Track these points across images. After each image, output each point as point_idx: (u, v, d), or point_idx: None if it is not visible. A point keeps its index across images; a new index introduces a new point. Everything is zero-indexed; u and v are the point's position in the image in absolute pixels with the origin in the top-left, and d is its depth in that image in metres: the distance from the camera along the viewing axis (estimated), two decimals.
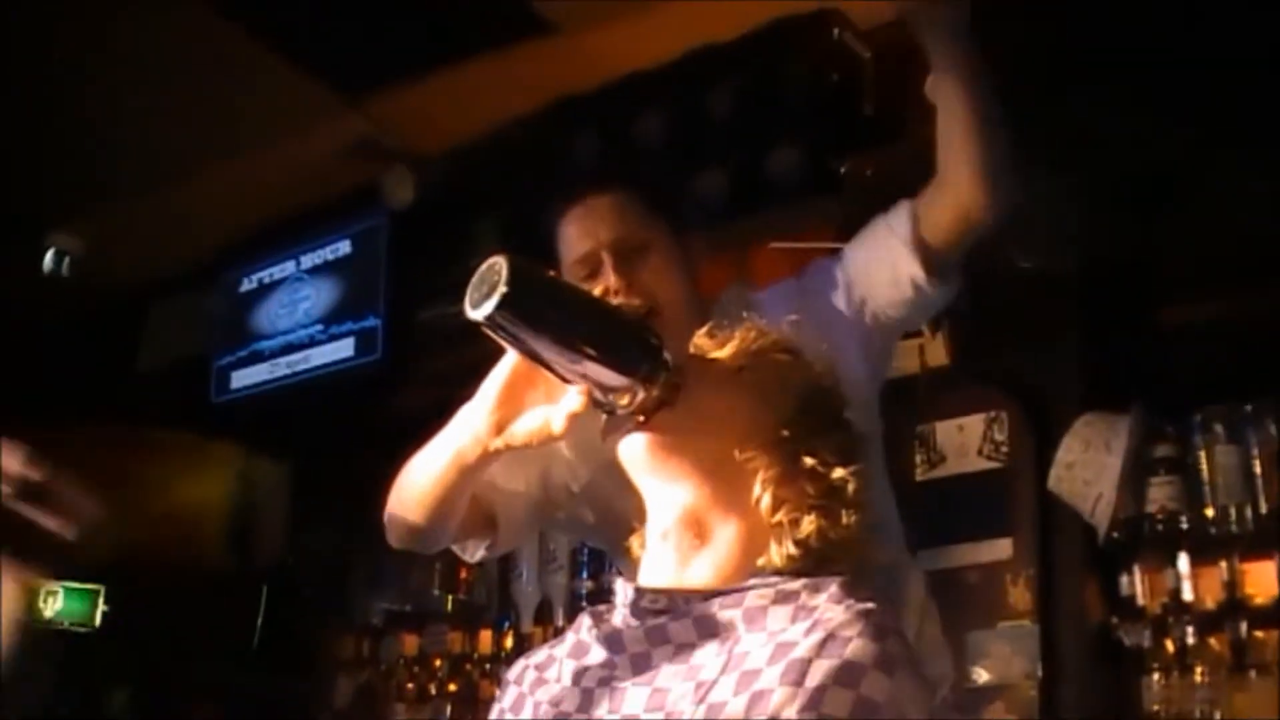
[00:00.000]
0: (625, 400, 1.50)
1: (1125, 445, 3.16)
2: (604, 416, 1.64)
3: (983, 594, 3.31)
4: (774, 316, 2.20)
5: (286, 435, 4.93)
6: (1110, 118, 3.12)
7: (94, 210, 4.53)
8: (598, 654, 1.51)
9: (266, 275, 4.65)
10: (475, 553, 2.24)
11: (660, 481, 1.55)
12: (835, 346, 1.97)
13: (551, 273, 1.52)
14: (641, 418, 1.52)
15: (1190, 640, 3.18)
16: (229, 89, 3.93)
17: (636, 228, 2.26)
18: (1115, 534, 3.22)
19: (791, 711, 1.33)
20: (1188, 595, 3.20)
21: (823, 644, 1.37)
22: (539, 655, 1.60)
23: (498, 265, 1.41)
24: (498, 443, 1.63)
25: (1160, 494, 3.24)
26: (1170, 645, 3.20)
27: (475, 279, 1.43)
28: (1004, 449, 3.40)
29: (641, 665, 1.49)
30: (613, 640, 1.51)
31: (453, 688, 4.58)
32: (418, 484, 1.90)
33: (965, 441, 3.46)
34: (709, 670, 1.43)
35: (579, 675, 1.53)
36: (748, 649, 1.42)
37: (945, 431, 3.49)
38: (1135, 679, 3.23)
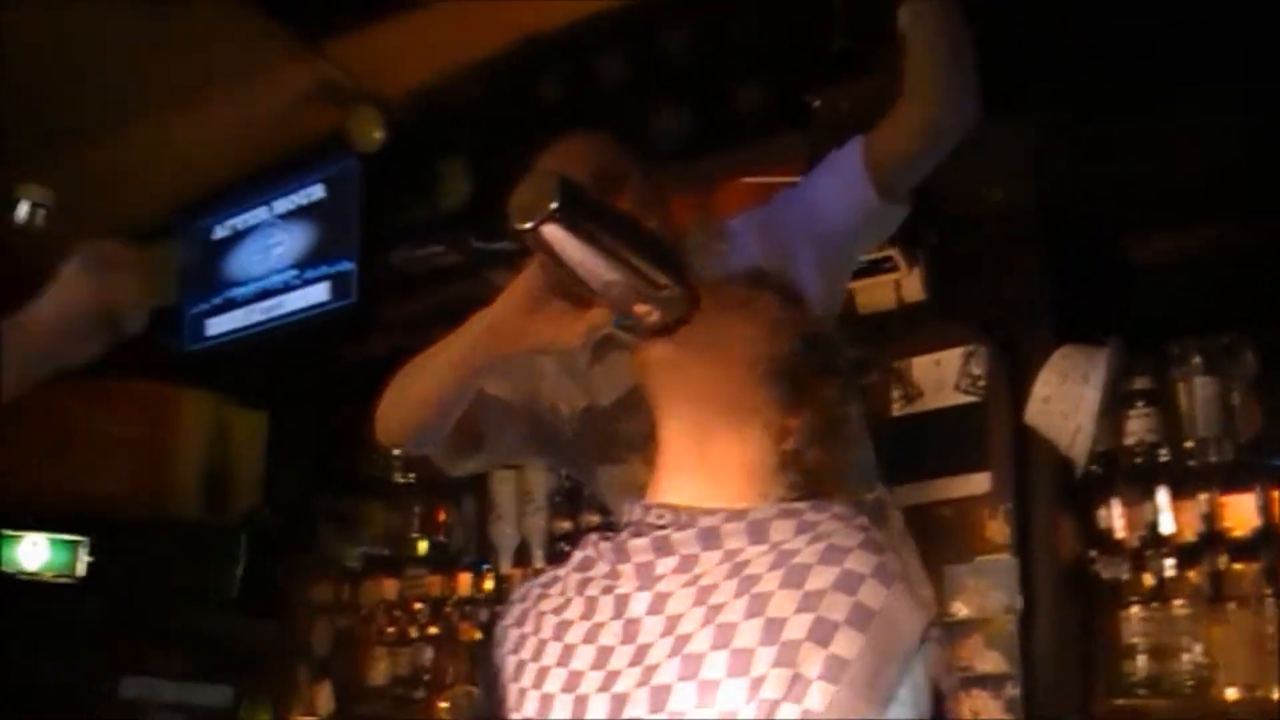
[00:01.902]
0: (646, 312, 1.55)
1: (1103, 378, 3.15)
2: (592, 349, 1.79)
3: (960, 528, 3.31)
4: (743, 245, 2.23)
5: (262, 382, 4.91)
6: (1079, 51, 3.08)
7: (58, 162, 4.47)
8: (603, 566, 1.57)
9: (240, 222, 4.59)
10: (459, 466, 2.26)
11: (673, 396, 1.59)
12: (796, 270, 2.03)
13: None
14: (659, 331, 1.57)
15: (1169, 573, 3.20)
16: (191, 36, 3.86)
17: (610, 164, 2.26)
18: (1093, 467, 3.23)
19: (789, 611, 1.37)
20: (1166, 528, 3.21)
21: (824, 553, 1.42)
22: (545, 576, 1.66)
23: (545, 179, 1.48)
24: (512, 347, 1.71)
25: (1138, 426, 3.24)
26: (1149, 578, 3.22)
27: (519, 193, 1.48)
28: (981, 383, 3.39)
29: (645, 573, 1.52)
30: (618, 551, 1.56)
31: (433, 631, 4.60)
32: (422, 379, 1.96)
33: (942, 376, 3.45)
34: (711, 576, 1.47)
35: (583, 585, 1.58)
36: (750, 558, 1.46)
37: (922, 367, 3.48)
38: (1114, 612, 3.25)
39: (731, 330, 1.59)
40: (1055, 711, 3.20)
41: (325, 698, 4.77)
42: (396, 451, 4.56)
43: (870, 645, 1.35)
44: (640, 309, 1.56)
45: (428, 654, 4.60)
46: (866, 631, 1.36)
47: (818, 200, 2.30)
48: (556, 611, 1.58)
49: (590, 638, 1.52)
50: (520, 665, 1.57)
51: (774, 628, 1.38)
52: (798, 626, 1.36)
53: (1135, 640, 3.21)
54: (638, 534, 1.56)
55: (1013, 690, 3.20)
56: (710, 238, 2.32)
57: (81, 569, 5.07)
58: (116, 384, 5.00)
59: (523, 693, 1.54)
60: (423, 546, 4.66)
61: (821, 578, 1.39)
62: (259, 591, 4.99)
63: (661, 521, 1.54)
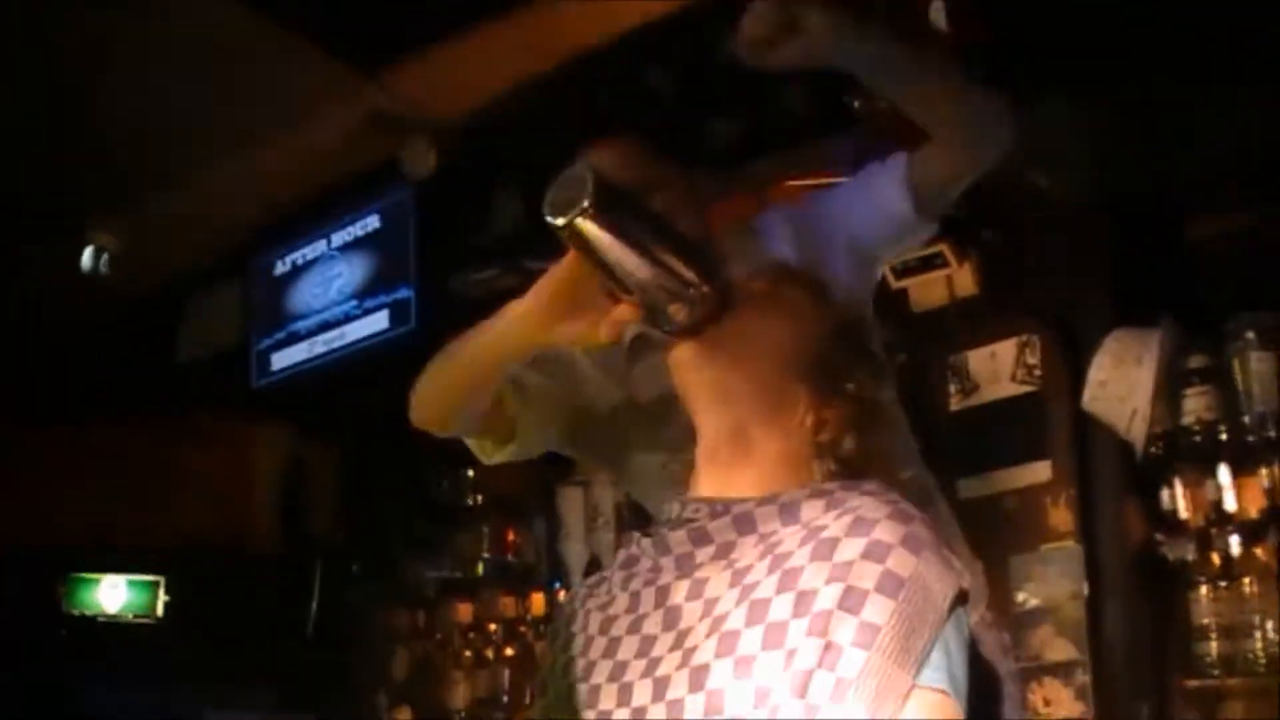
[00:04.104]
0: (676, 310, 1.59)
1: (1156, 358, 3.15)
2: (628, 344, 1.82)
3: (1024, 518, 3.32)
4: (773, 239, 2.27)
5: (330, 412, 4.98)
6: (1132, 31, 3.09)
7: (122, 206, 4.57)
8: (646, 561, 1.61)
9: (299, 257, 4.67)
10: (492, 454, 2.28)
11: (707, 395, 1.63)
12: (826, 267, 2.08)
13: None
14: (690, 330, 1.61)
15: (1235, 551, 3.16)
16: (249, 78, 3.94)
17: (643, 166, 2.30)
18: (1153, 448, 3.21)
19: (819, 583, 1.40)
20: (1230, 506, 3.18)
21: (851, 526, 1.45)
22: (594, 578, 1.70)
23: (581, 174, 1.52)
24: (542, 339, 1.75)
25: (1196, 405, 3.22)
26: (1215, 557, 3.18)
27: (555, 187, 1.53)
28: (1037, 372, 3.40)
29: (685, 564, 1.56)
30: (659, 545, 1.60)
31: (509, 652, 4.64)
32: (454, 366, 2.00)
33: (998, 368, 3.46)
34: (746, 558, 1.51)
35: (627, 581, 1.62)
36: (782, 538, 1.49)
37: (978, 359, 3.50)
38: (1183, 593, 3.22)
39: (761, 327, 1.63)
40: (1128, 697, 3.19)
41: None
42: (470, 473, 4.63)
43: (900, 611, 1.38)
44: (671, 307, 1.59)
45: (505, 675, 4.63)
46: (896, 598, 1.39)
47: (855, 206, 2.34)
48: (602, 608, 1.63)
49: (634, 629, 1.56)
50: (569, 661, 1.61)
51: (805, 599, 1.41)
52: (828, 596, 1.40)
53: (1206, 621, 3.17)
54: (677, 528, 1.59)
55: (1083, 677, 3.20)
56: (739, 235, 2.37)
57: (160, 609, 5.16)
58: (190, 423, 5.10)
59: (571, 686, 1.58)
60: (479, 567, 4.72)
61: (850, 549, 1.43)
62: (336, 621, 5.05)
63: (699, 514, 1.58)
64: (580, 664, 1.59)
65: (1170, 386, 3.19)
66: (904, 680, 1.36)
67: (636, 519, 4.21)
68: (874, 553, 1.41)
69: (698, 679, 1.44)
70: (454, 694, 4.76)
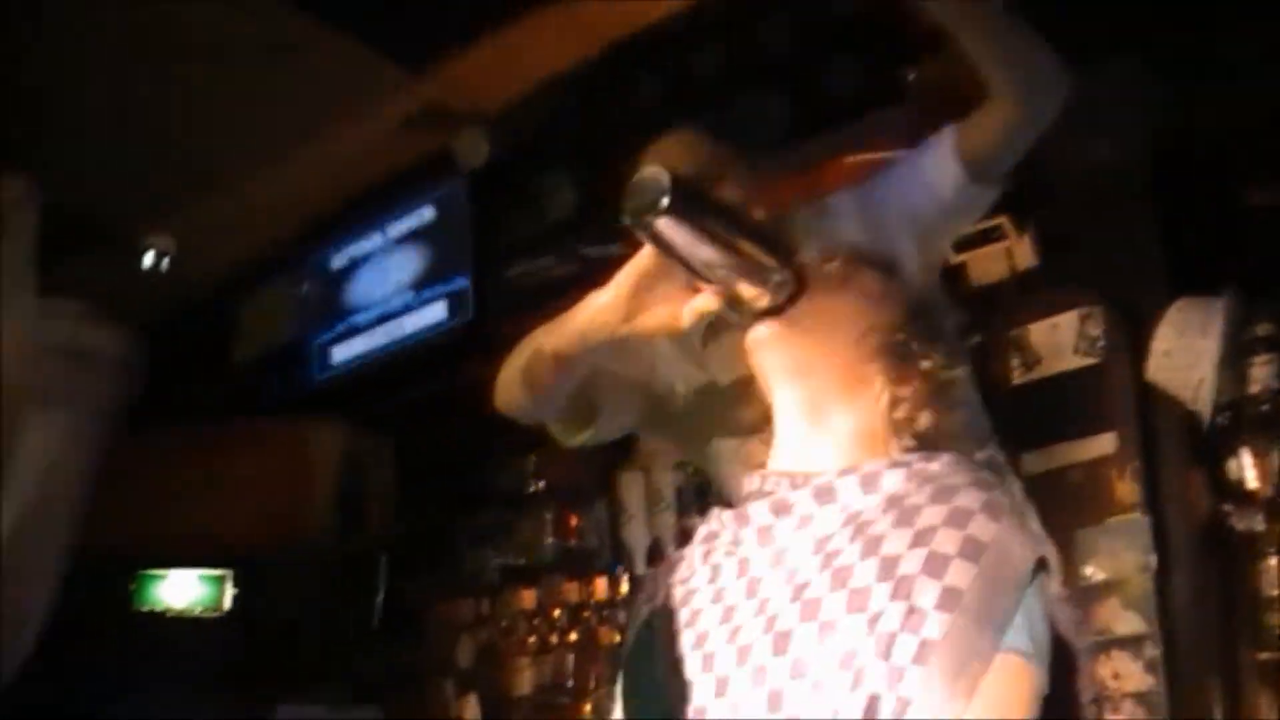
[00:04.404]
0: (756, 296, 1.64)
1: (1221, 328, 3.11)
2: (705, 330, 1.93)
3: (1089, 491, 3.28)
4: (844, 221, 2.29)
5: (391, 404, 5.01)
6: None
7: (175, 209, 4.62)
8: (726, 535, 1.65)
9: (355, 250, 4.72)
10: (574, 436, 2.34)
11: (785, 373, 1.66)
12: (894, 245, 2.11)
13: None
14: (768, 313, 1.65)
15: None
16: (304, 78, 3.99)
17: (711, 157, 2.33)
18: (1219, 418, 3.18)
19: (902, 548, 1.43)
20: None
21: (933, 494, 1.49)
22: (675, 555, 1.76)
23: (657, 176, 1.57)
24: (625, 328, 1.81)
25: (1262, 373, 3.18)
26: None
27: (632, 190, 1.58)
28: (1099, 344, 3.37)
29: (766, 535, 1.60)
30: (739, 518, 1.64)
31: (573, 637, 4.63)
32: (540, 356, 2.05)
33: (1060, 340, 3.43)
34: (827, 527, 1.54)
35: (707, 555, 1.66)
36: (863, 507, 1.53)
37: (1039, 332, 3.46)
38: (1252, 564, 3.19)
39: (836, 308, 1.66)
40: (1197, 670, 3.16)
41: (472, 710, 4.84)
42: (531, 460, 4.65)
43: (982, 575, 1.41)
44: (749, 293, 1.64)
45: (569, 660, 4.65)
46: (978, 563, 1.41)
47: (914, 181, 2.38)
48: (683, 582, 1.66)
49: (716, 598, 1.60)
50: (651, 635, 1.65)
51: (889, 565, 1.44)
52: (912, 562, 1.43)
53: (1276, 592, 3.15)
54: (757, 500, 1.62)
55: (1152, 650, 3.16)
56: (812, 216, 2.41)
57: (227, 603, 5.21)
58: (247, 422, 5.14)
59: (654, 659, 1.62)
60: (542, 553, 4.74)
61: (932, 515, 1.46)
62: (400, 612, 5.08)
63: (779, 487, 1.61)
64: (662, 637, 1.62)
65: (1236, 356, 3.16)
66: (986, 643, 1.39)
67: (699, 501, 4.24)
68: (956, 519, 1.44)
69: (781, 644, 1.47)
70: (519, 680, 4.78)
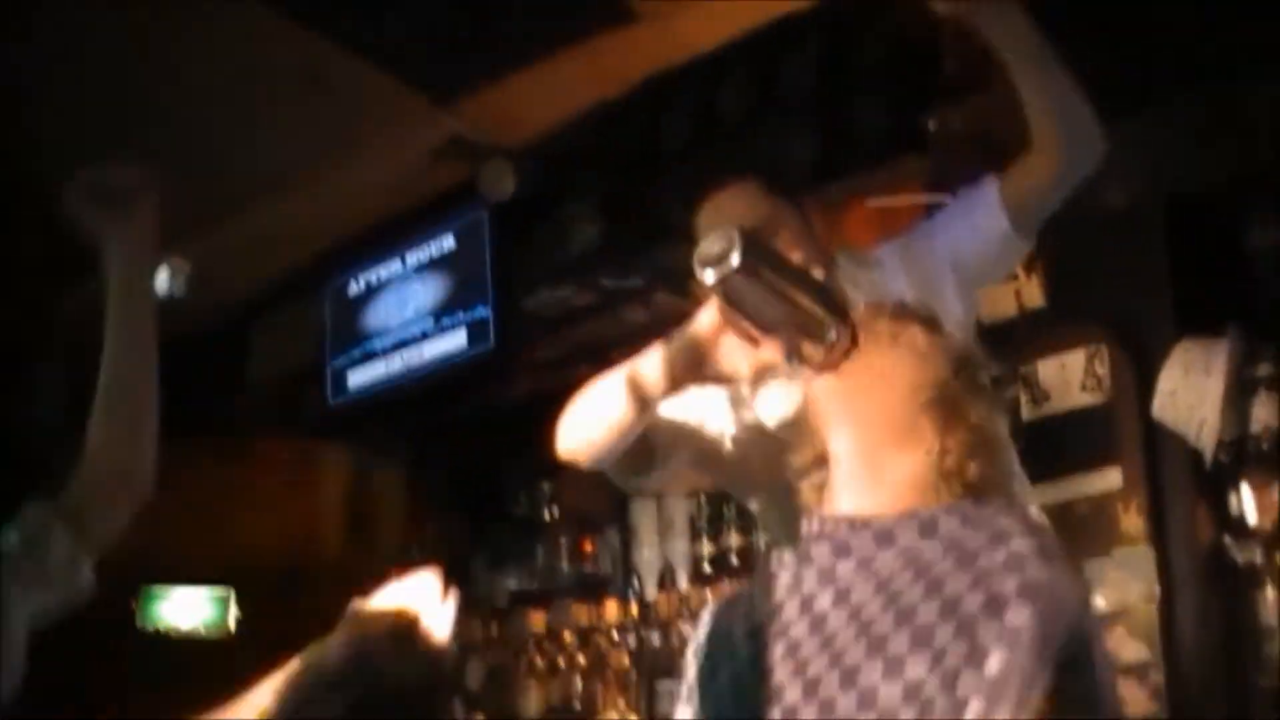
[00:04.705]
0: (812, 352, 1.71)
1: (1224, 368, 3.21)
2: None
3: (1096, 523, 3.38)
4: (890, 273, 2.39)
5: (406, 429, 5.06)
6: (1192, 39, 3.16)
7: (201, 230, 4.67)
8: (786, 575, 1.75)
9: (374, 277, 4.76)
10: (633, 483, 2.42)
11: (842, 422, 1.76)
12: (939, 296, 2.19)
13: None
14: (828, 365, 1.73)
15: None
16: (331, 107, 4.05)
17: (768, 211, 2.42)
18: (1221, 455, 3.28)
19: (962, 589, 1.54)
20: None
21: (990, 538, 1.60)
22: (730, 595, 1.92)
23: (729, 234, 1.65)
24: (690, 381, 1.90)
25: (1263, 413, 3.27)
26: None
27: (705, 247, 1.66)
28: (1106, 382, 3.47)
29: (827, 575, 1.70)
30: (801, 559, 1.74)
31: (582, 660, 4.71)
32: (604, 403, 2.10)
33: (1067, 378, 3.52)
34: (889, 568, 1.65)
35: (767, 594, 1.76)
36: (923, 550, 1.64)
37: (1047, 370, 3.56)
38: (1251, 595, 3.29)
39: (888, 363, 1.77)
40: (1201, 697, 3.26)
41: None
42: (547, 487, 4.72)
43: (1039, 615, 1.52)
44: (808, 347, 1.71)
45: (578, 683, 4.71)
46: (1036, 603, 1.52)
47: (959, 233, 2.49)
48: (746, 618, 1.77)
49: (780, 634, 1.70)
50: (714, 670, 1.76)
51: (950, 605, 1.56)
52: (973, 602, 1.55)
53: (1274, 622, 3.25)
54: (817, 542, 1.73)
55: (1157, 677, 3.26)
56: (859, 267, 2.51)
57: (230, 623, 5.26)
58: (258, 443, 5.19)
59: (720, 694, 1.73)
60: (556, 577, 4.83)
61: (991, 558, 1.58)
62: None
63: (838, 530, 1.72)
64: (728, 671, 1.73)
65: (1238, 395, 3.26)
66: (1044, 679, 1.50)
67: (711, 528, 4.33)
68: (1013, 563, 1.56)
69: (849, 678, 1.58)
70: (527, 702, 4.85)
